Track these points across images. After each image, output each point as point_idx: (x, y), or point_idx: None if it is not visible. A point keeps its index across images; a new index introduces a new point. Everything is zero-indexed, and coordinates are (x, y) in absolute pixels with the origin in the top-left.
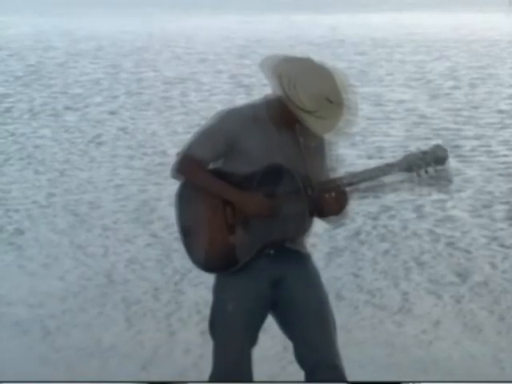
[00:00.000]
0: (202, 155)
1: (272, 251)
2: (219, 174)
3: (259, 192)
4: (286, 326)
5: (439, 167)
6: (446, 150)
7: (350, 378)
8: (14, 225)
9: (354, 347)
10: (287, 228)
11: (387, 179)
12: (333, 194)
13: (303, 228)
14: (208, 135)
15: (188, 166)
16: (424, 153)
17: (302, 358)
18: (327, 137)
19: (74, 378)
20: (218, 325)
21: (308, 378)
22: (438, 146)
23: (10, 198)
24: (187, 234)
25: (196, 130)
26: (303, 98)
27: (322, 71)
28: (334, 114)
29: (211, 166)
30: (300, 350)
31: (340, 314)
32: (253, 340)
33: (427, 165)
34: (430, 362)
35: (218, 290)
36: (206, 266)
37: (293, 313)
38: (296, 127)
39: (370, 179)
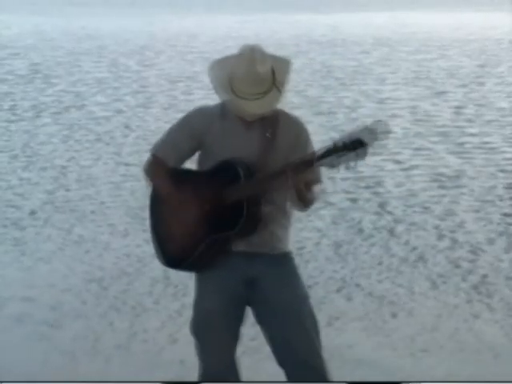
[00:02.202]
0: (165, 155)
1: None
2: (192, 173)
3: (213, 187)
4: (263, 326)
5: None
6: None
7: (350, 378)
8: (15, 221)
9: (354, 344)
10: (239, 224)
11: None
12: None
13: (255, 223)
14: (173, 134)
15: (151, 167)
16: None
17: (279, 359)
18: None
19: (75, 376)
20: (196, 323)
21: (288, 378)
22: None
23: (12, 194)
24: (161, 236)
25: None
26: (240, 86)
27: (253, 56)
28: (270, 94)
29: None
30: (277, 351)
31: (341, 309)
32: (234, 337)
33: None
34: (430, 361)
35: (195, 290)
36: (171, 262)
37: (268, 313)
38: (264, 121)
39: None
